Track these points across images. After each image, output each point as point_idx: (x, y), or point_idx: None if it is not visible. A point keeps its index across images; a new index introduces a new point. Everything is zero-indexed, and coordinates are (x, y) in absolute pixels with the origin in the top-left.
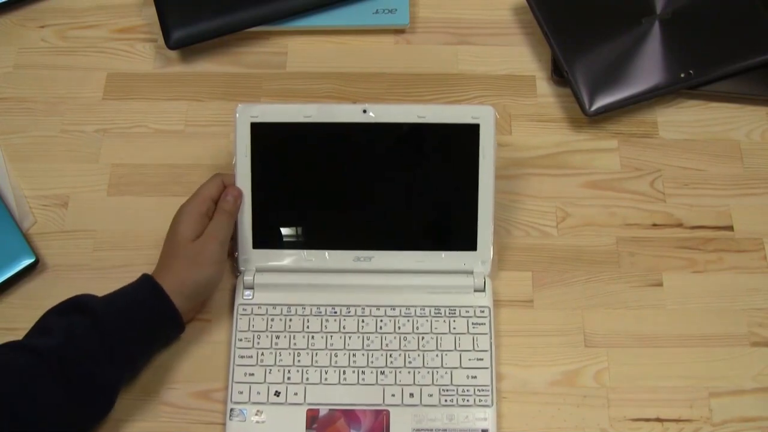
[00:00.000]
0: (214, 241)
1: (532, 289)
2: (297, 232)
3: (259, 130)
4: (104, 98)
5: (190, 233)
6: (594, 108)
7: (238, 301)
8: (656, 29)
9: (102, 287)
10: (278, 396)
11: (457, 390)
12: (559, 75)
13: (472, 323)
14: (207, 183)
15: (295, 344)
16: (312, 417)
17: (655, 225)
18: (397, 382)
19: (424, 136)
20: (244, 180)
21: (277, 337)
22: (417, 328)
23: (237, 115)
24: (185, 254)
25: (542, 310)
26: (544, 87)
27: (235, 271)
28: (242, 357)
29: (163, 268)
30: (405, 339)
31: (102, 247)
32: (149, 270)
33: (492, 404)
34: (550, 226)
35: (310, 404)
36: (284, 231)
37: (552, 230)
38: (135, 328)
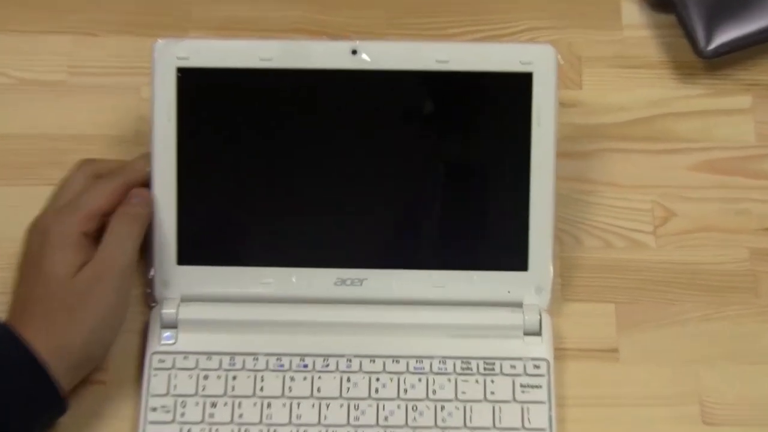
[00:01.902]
0: (110, 272)
1: (617, 331)
2: (246, 240)
3: (189, 81)
4: None
5: (66, 266)
6: (713, 46)
7: (152, 348)
8: None
9: None
10: None
11: None
12: None
13: (521, 386)
14: (96, 189)
15: (241, 416)
16: None
17: None
18: None
19: (446, 91)
20: (165, 159)
21: (214, 406)
22: (434, 392)
23: (155, 56)
24: (63, 298)
25: (633, 365)
26: (633, 13)
27: (148, 302)
28: None
29: (28, 318)
30: (415, 410)
31: None
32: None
33: None
34: (643, 232)
35: None
36: (226, 239)
37: (647, 238)
38: None
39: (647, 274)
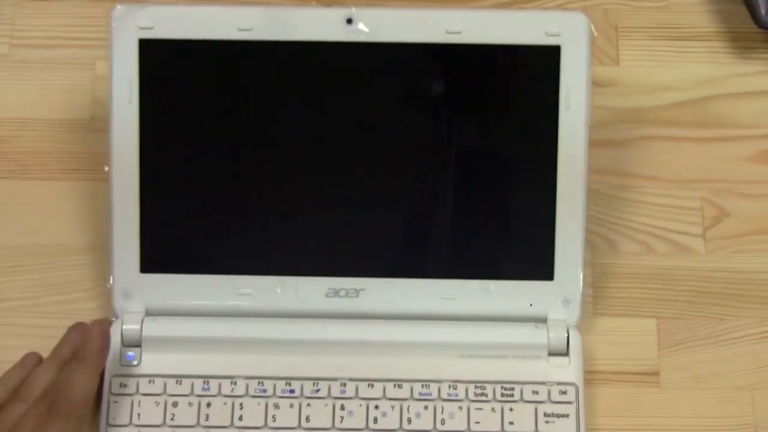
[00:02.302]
0: None
1: (658, 351)
2: (222, 243)
3: (154, 56)
4: None
5: None
6: None
7: (112, 370)
8: None
9: None
10: None
11: None
12: None
13: (545, 415)
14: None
15: None
16: None
17: None
18: None
19: (459, 69)
20: (126, 148)
21: None
22: (442, 422)
23: (113, 26)
24: None
25: (677, 391)
26: None
27: (110, 316)
28: None
29: None
30: None
31: None
32: None
33: None
34: (691, 235)
35: None
36: (198, 242)
37: (695, 242)
38: None
39: (694, 284)
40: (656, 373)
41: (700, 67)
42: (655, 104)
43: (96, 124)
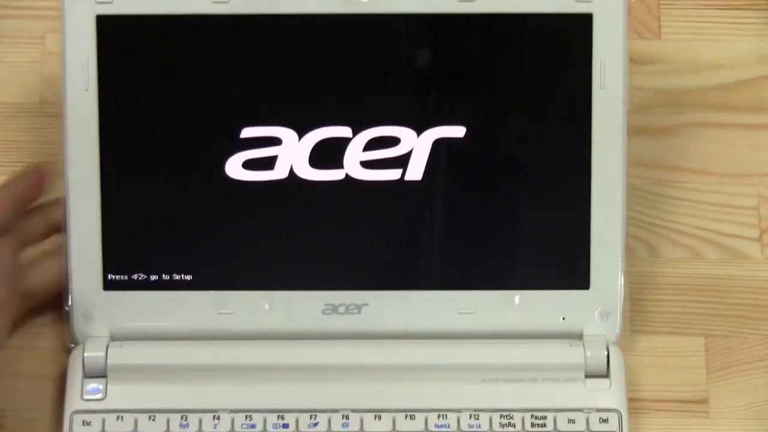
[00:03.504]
0: None
1: (707, 375)
2: (198, 254)
3: (114, 35)
4: None
5: None
6: None
7: (73, 405)
8: None
9: None
10: None
11: None
12: None
13: None
14: None
15: None
16: None
17: None
18: None
19: (474, 43)
20: (82, 144)
21: None
22: None
23: (65, 1)
24: None
25: (730, 423)
26: None
27: (65, 343)
28: None
29: None
30: None
31: None
32: None
33: None
34: (745, 238)
35: None
36: (170, 253)
37: (750, 247)
38: None
39: (750, 297)
40: (704, 401)
41: (756, 41)
42: (703, 85)
43: (46, 108)
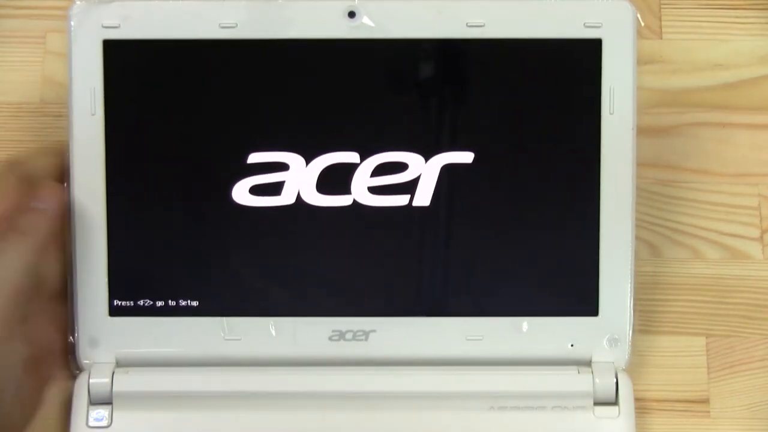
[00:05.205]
0: None
1: (708, 374)
2: (204, 280)
3: (121, 59)
4: None
5: None
6: None
7: None
8: None
9: None
10: None
11: None
12: None
13: None
14: None
15: None
16: None
17: None
18: None
19: (481, 68)
20: (89, 169)
21: None
22: None
23: (72, 24)
24: None
25: (731, 423)
26: None
27: (71, 370)
28: None
29: None
30: None
31: None
32: None
33: None
34: (746, 238)
35: None
36: (177, 279)
37: (751, 246)
38: None
39: (751, 297)
40: (705, 401)
41: (757, 41)
42: (704, 85)
43: (46, 108)
